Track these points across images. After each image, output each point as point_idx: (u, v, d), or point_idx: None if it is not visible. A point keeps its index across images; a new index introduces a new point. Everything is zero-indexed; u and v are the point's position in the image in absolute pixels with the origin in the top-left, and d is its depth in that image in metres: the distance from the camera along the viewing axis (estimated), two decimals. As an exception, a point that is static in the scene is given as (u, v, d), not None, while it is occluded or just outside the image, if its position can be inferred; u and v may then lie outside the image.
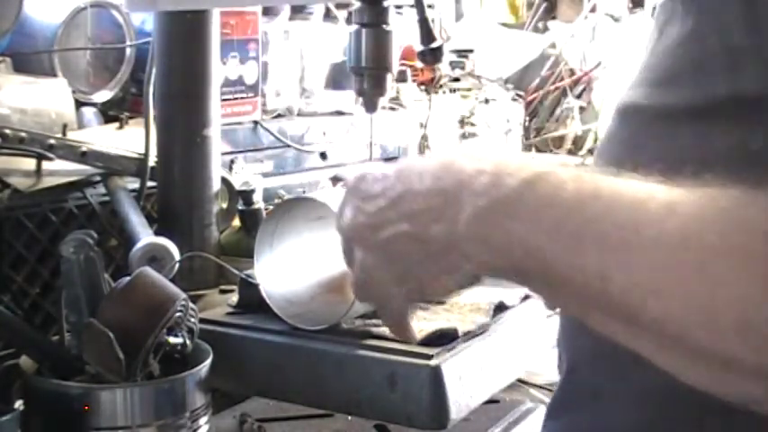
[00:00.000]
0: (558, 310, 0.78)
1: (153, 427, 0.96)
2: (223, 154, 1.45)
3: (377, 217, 0.69)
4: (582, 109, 3.57)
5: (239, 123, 1.75)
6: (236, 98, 1.72)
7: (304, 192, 1.61)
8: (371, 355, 1.09)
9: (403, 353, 1.09)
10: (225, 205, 1.48)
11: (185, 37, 1.40)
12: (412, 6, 1.19)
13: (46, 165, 1.37)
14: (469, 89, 2.64)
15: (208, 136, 1.40)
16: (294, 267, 1.19)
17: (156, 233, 1.30)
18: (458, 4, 3.45)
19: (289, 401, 1.19)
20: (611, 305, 0.59)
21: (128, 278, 0.97)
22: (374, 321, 1.17)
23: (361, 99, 1.24)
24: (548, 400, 0.89)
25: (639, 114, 0.71)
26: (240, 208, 1.48)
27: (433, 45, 1.18)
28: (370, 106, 1.23)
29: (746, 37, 0.62)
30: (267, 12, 1.83)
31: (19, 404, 0.99)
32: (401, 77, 2.29)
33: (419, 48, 1.19)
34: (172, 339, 1.00)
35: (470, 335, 1.14)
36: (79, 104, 1.56)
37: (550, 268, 0.61)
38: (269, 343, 1.16)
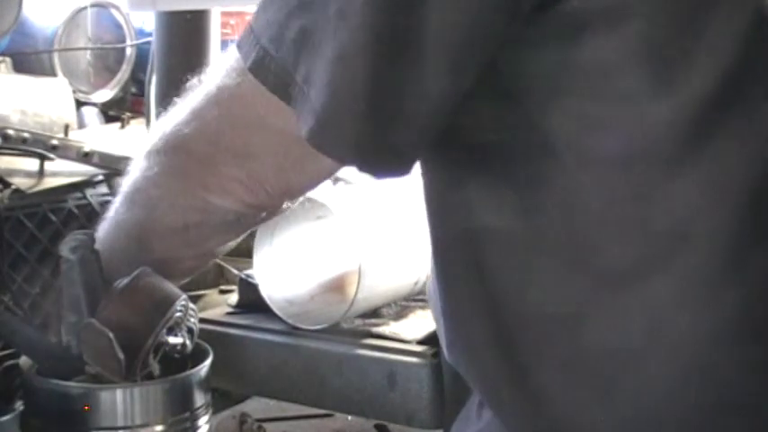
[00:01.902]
0: None
1: (153, 426, 0.96)
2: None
3: None
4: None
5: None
6: (237, 98, 1.72)
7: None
8: (371, 355, 1.10)
9: (403, 352, 1.09)
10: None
11: (185, 37, 1.40)
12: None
13: (48, 165, 1.37)
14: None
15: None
16: (294, 267, 1.19)
17: (157, 233, 1.30)
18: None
19: (289, 401, 1.19)
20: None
21: (128, 278, 0.97)
22: (374, 321, 1.17)
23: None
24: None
25: None
26: (240, 208, 1.47)
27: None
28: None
29: None
30: (267, 11, 1.82)
31: (19, 404, 0.99)
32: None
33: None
34: (172, 339, 1.00)
35: (470, 334, 1.14)
36: (79, 104, 1.56)
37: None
38: (269, 343, 1.16)
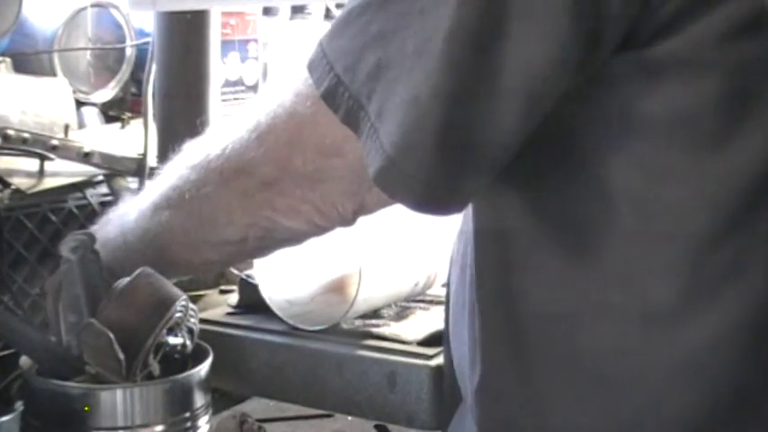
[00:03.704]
0: None
1: (153, 427, 0.95)
2: (223, 154, 1.45)
3: None
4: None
5: (240, 123, 1.74)
6: (237, 98, 1.72)
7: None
8: (371, 355, 1.10)
9: (403, 353, 1.09)
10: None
11: (185, 37, 1.40)
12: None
13: (48, 165, 1.37)
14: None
15: (208, 136, 1.40)
16: (294, 268, 1.19)
17: (157, 233, 1.29)
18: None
19: (289, 401, 1.19)
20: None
21: (128, 278, 0.97)
22: (374, 321, 1.18)
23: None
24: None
25: None
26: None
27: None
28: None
29: None
30: (267, 12, 1.83)
31: (19, 404, 0.99)
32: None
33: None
34: (172, 339, 1.00)
35: (470, 335, 1.14)
36: (79, 104, 1.56)
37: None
38: (269, 343, 1.16)
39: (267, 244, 0.90)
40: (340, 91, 0.72)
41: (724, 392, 0.73)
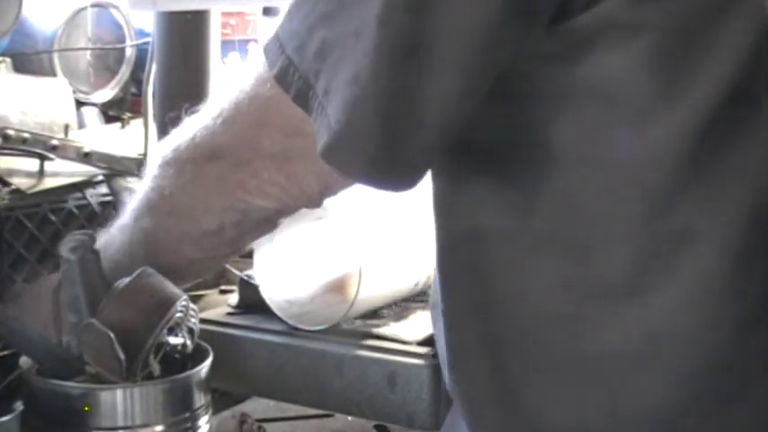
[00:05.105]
0: None
1: (153, 426, 0.96)
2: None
3: None
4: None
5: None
6: (237, 98, 1.72)
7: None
8: (371, 356, 1.10)
9: (403, 353, 1.09)
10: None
11: (185, 37, 1.40)
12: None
13: (48, 165, 1.37)
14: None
15: (208, 136, 1.40)
16: (294, 268, 1.19)
17: (157, 233, 1.30)
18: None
19: (289, 401, 1.20)
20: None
21: (128, 278, 0.97)
22: (374, 321, 1.18)
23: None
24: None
25: None
26: (240, 208, 1.47)
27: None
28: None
29: None
30: (267, 12, 1.83)
31: (19, 404, 0.99)
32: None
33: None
34: (172, 339, 1.00)
35: (470, 335, 1.14)
36: (79, 104, 1.57)
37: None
38: (269, 343, 1.16)
39: (244, 228, 0.92)
40: (291, 71, 0.75)
41: (698, 376, 0.73)
